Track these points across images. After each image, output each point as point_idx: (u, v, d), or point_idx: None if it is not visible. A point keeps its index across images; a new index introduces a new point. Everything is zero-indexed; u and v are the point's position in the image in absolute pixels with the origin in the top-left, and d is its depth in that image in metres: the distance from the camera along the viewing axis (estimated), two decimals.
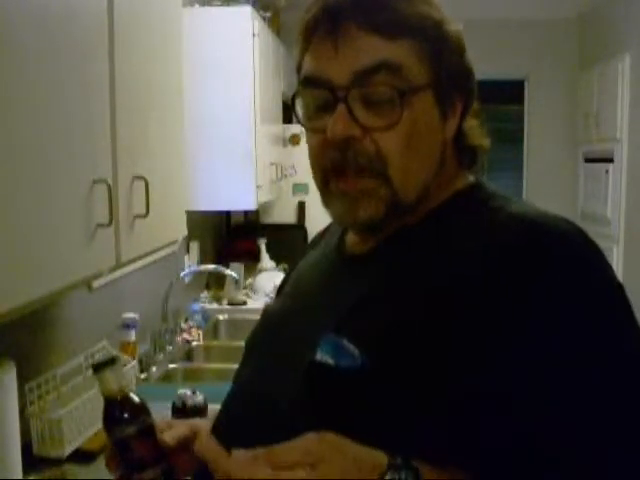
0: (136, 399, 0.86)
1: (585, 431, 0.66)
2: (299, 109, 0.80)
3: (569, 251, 0.71)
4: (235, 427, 0.83)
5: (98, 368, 0.86)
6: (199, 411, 1.74)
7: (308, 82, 0.78)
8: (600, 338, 0.68)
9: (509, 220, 0.74)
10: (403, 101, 0.74)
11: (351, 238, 0.88)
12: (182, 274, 2.95)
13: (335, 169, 0.77)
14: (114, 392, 0.85)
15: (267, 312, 0.96)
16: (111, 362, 0.87)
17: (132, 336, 2.21)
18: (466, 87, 0.82)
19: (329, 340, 0.75)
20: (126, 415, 0.84)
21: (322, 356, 0.74)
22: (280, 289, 1.02)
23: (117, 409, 0.84)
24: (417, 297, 0.73)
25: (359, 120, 0.74)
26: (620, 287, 0.72)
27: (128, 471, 0.85)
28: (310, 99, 0.79)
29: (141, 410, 0.86)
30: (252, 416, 0.81)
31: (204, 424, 0.90)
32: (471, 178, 0.85)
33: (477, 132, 0.85)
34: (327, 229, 1.01)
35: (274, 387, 0.80)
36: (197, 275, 3.25)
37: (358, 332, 0.74)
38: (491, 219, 0.75)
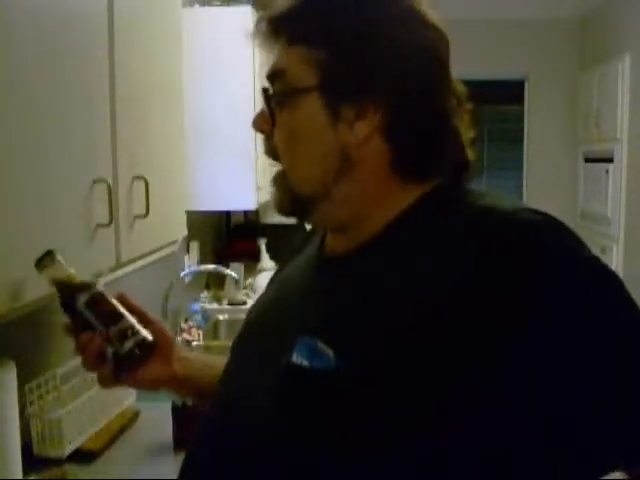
0: (84, 278, 0.95)
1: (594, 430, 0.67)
2: None
3: (554, 244, 0.70)
4: (216, 424, 0.85)
5: (38, 263, 0.94)
6: (199, 411, 1.74)
7: None
8: (602, 329, 0.68)
9: (482, 215, 0.74)
10: (278, 105, 0.83)
11: (330, 240, 0.89)
12: (182, 274, 2.95)
13: None
14: (61, 278, 0.94)
15: (253, 311, 0.98)
16: (48, 254, 0.94)
17: None
18: (392, 93, 0.79)
19: (305, 342, 0.76)
20: (80, 287, 0.93)
21: (297, 358, 0.76)
22: (267, 288, 1.03)
23: (69, 287, 0.93)
24: (395, 300, 0.74)
25: (267, 118, 0.85)
26: (604, 265, 0.71)
27: (104, 331, 0.92)
28: None
29: (91, 283, 0.94)
30: (232, 414, 0.82)
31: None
32: (439, 180, 0.83)
33: (456, 140, 0.82)
34: (314, 231, 1.02)
35: (254, 387, 0.81)
36: (197, 275, 3.25)
37: (334, 334, 0.75)
38: (461, 216, 0.75)
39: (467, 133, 0.83)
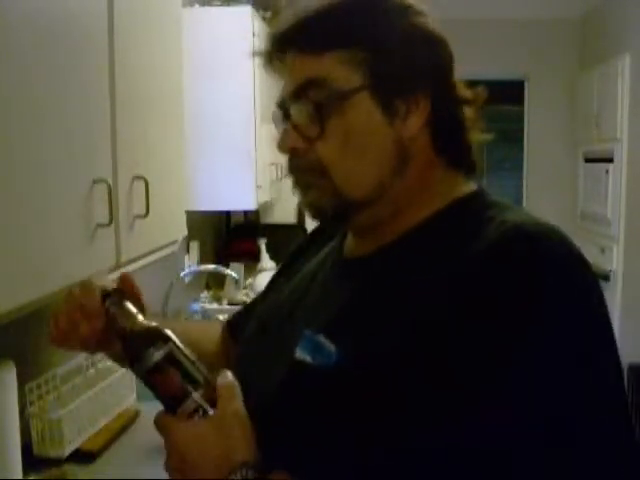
0: (153, 324, 0.77)
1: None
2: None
3: (556, 256, 0.71)
4: None
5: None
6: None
7: (277, 103, 0.86)
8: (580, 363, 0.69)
9: (498, 228, 0.74)
10: (325, 112, 0.79)
11: (349, 242, 0.89)
12: (182, 274, 2.95)
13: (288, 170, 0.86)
14: (127, 324, 0.78)
15: (265, 311, 0.98)
16: (116, 293, 0.82)
17: None
18: (433, 81, 0.81)
19: (308, 337, 0.78)
20: (147, 342, 0.74)
21: (301, 353, 0.78)
22: (274, 289, 1.03)
23: (136, 338, 0.76)
24: (404, 303, 0.75)
25: (301, 134, 0.81)
26: (601, 302, 0.73)
27: (171, 404, 0.74)
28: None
29: (163, 334, 0.75)
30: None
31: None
32: (473, 186, 0.85)
33: (471, 126, 0.84)
34: (317, 232, 1.03)
35: (263, 384, 0.82)
36: (197, 275, 3.25)
37: (340, 330, 0.77)
38: (480, 229, 0.76)
39: (478, 121, 0.85)
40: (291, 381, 0.78)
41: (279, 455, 0.74)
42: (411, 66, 0.79)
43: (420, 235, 0.81)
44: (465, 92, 0.84)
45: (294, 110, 0.81)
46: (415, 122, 0.80)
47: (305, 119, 0.80)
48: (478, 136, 0.85)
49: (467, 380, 0.68)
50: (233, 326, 1.10)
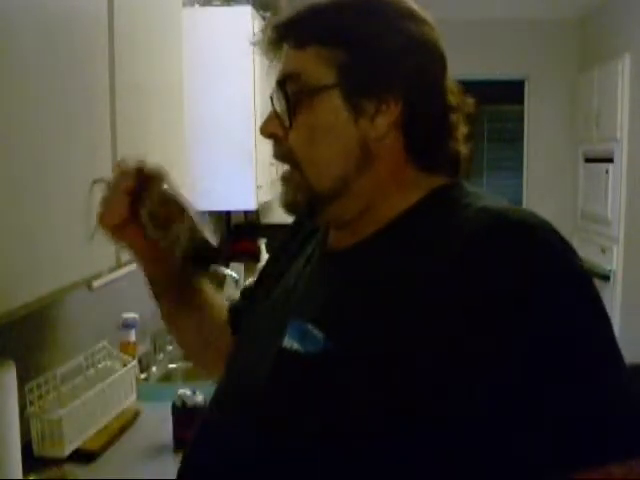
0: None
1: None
2: None
3: (539, 246, 0.71)
4: (218, 409, 0.87)
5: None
6: (199, 411, 1.74)
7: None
8: (573, 332, 0.69)
9: (475, 214, 0.75)
10: (295, 105, 0.82)
11: (332, 236, 0.91)
12: None
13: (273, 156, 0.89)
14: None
15: (257, 309, 0.99)
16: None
17: (132, 336, 2.21)
18: (410, 85, 0.81)
19: (296, 326, 0.79)
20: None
21: (288, 341, 0.79)
22: (266, 274, 1.05)
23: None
24: (386, 289, 0.76)
25: (279, 121, 0.85)
26: (588, 279, 0.73)
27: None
28: None
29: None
30: (233, 400, 0.85)
31: None
32: (447, 179, 0.85)
33: (454, 134, 0.84)
34: (297, 228, 1.04)
35: (253, 375, 0.83)
36: None
37: (327, 318, 0.78)
38: (460, 215, 0.76)
39: (462, 129, 0.85)
40: (280, 368, 0.79)
41: (270, 442, 0.75)
42: (386, 69, 0.80)
43: (399, 225, 0.82)
44: (450, 98, 0.84)
45: (275, 99, 0.85)
46: (382, 123, 0.81)
47: (282, 109, 0.84)
48: (458, 145, 0.85)
49: (454, 364, 0.69)
50: (232, 313, 1.11)
